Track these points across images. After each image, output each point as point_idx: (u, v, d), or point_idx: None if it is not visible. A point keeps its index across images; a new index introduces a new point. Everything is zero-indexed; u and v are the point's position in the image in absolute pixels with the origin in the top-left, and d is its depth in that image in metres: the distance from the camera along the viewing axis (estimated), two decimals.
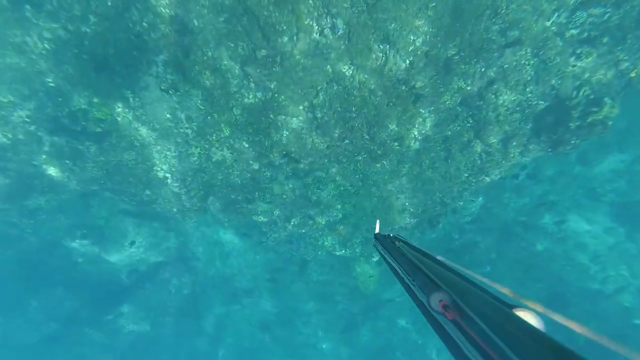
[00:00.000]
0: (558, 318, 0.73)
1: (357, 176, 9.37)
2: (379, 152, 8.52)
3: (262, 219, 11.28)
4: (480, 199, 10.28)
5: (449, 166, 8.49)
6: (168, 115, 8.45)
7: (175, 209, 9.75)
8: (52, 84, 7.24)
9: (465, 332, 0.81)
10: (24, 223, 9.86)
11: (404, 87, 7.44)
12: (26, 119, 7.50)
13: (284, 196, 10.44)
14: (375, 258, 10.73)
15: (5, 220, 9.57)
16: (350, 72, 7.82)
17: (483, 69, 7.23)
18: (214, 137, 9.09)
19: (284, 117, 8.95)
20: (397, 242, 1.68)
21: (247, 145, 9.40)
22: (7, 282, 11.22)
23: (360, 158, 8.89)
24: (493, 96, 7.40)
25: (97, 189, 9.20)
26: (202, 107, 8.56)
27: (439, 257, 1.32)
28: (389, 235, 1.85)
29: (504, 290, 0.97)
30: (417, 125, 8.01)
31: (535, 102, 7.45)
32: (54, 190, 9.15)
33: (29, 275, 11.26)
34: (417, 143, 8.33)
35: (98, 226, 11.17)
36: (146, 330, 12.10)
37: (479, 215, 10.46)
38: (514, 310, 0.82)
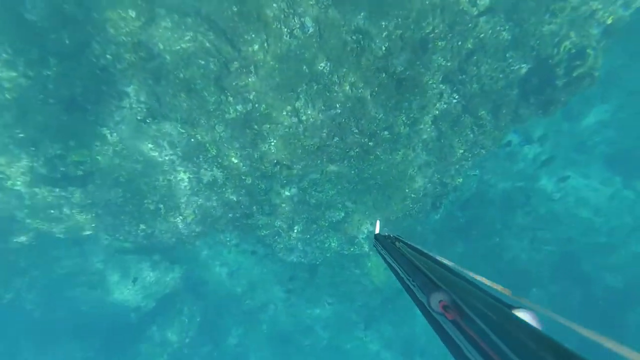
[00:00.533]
0: (558, 318, 0.72)
1: (352, 172, 9.16)
2: (370, 143, 8.33)
3: (264, 232, 10.99)
4: (477, 172, 10.20)
5: (443, 145, 8.34)
6: (150, 146, 8.10)
7: (174, 239, 9.39)
8: (21, 135, 6.83)
9: (465, 332, 0.80)
10: (17, 283, 9.37)
11: (384, 75, 7.27)
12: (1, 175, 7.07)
13: (283, 205, 10.17)
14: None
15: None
16: (328, 68, 7.61)
17: (460, 42, 7.09)
18: (201, 159, 8.77)
19: (268, 125, 8.69)
20: (397, 243, 1.68)
21: (236, 161, 9.11)
22: (17, 346, 10.65)
23: (352, 153, 8.69)
24: (474, 68, 7.27)
25: (89, 234, 8.78)
26: (183, 131, 8.23)
27: (438, 258, 1.32)
28: (389, 235, 1.85)
29: (504, 291, 0.97)
30: (403, 111, 7.84)
31: (517, 66, 7.33)
32: (44, 244, 8.69)
33: (35, 334, 10.73)
34: (407, 128, 8.17)
35: (97, 270, 10.71)
36: None
37: (478, 189, 10.38)
38: (513, 310, 0.82)
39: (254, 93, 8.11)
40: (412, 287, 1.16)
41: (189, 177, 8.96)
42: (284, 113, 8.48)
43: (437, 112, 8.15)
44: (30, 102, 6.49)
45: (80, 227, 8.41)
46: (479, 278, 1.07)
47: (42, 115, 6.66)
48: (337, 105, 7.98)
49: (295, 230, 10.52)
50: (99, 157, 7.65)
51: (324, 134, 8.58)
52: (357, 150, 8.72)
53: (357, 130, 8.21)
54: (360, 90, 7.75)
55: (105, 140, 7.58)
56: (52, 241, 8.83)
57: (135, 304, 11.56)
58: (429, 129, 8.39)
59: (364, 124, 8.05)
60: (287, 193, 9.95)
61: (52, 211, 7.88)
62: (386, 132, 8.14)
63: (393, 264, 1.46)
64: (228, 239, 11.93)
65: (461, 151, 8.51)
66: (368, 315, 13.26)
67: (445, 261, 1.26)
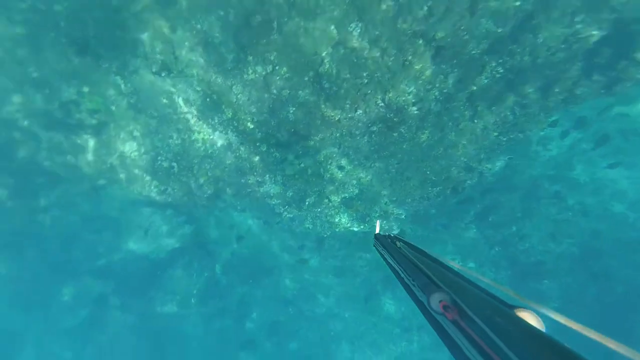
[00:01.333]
0: (559, 318, 0.70)
1: (372, 148, 8.51)
2: (395, 119, 7.57)
3: (275, 201, 10.77)
4: (508, 158, 9.19)
5: (476, 126, 7.39)
6: (165, 101, 7.69)
7: (185, 198, 9.31)
8: (35, 74, 6.55)
9: (465, 332, 0.78)
10: (40, 220, 9.72)
11: (421, 42, 6.31)
12: (16, 114, 6.94)
13: (296, 176, 9.78)
14: (396, 231, 10.14)
15: (21, 219, 9.42)
16: (358, 30, 6.69)
17: (517, 2, 5.85)
18: (216, 120, 8.33)
19: (287, 91, 8.02)
20: (397, 243, 1.65)
21: (251, 126, 8.63)
22: (38, 276, 11.43)
23: (375, 128, 7.99)
24: (530, 35, 6.06)
25: (104, 183, 8.80)
26: (199, 89, 7.73)
27: (439, 257, 1.30)
28: (389, 235, 1.82)
29: (505, 290, 0.91)
30: (437, 84, 6.91)
31: (586, 33, 6.04)
32: (62, 186, 8.81)
33: (56, 268, 11.40)
34: (439, 104, 7.27)
35: (112, 217, 10.98)
36: (174, 312, 12.34)
37: (503, 174, 9.35)
38: (514, 310, 0.80)
39: (275, 53, 7.37)
40: (412, 286, 1.14)
41: (203, 139, 8.61)
42: (306, 79, 7.76)
43: (474, 87, 7.14)
44: (43, 39, 6.10)
45: (96, 176, 8.40)
46: (480, 278, 1.04)
47: (55, 54, 6.29)
48: (364, 75, 7.16)
49: (307, 203, 10.23)
50: (113, 108, 7.35)
51: (347, 105, 7.86)
52: (380, 125, 7.99)
53: (383, 104, 7.43)
54: (391, 59, 6.84)
55: (119, 90, 7.22)
56: (71, 185, 8.94)
57: (149, 254, 11.98)
58: (462, 107, 7.43)
59: (392, 97, 7.24)
60: (301, 164, 9.49)
61: (68, 157, 7.84)
62: (414, 108, 7.32)
63: (393, 264, 1.44)
64: (239, 203, 11.84)
65: (495, 134, 7.55)
66: (370, 289, 13.28)
67: (446, 261, 1.23)
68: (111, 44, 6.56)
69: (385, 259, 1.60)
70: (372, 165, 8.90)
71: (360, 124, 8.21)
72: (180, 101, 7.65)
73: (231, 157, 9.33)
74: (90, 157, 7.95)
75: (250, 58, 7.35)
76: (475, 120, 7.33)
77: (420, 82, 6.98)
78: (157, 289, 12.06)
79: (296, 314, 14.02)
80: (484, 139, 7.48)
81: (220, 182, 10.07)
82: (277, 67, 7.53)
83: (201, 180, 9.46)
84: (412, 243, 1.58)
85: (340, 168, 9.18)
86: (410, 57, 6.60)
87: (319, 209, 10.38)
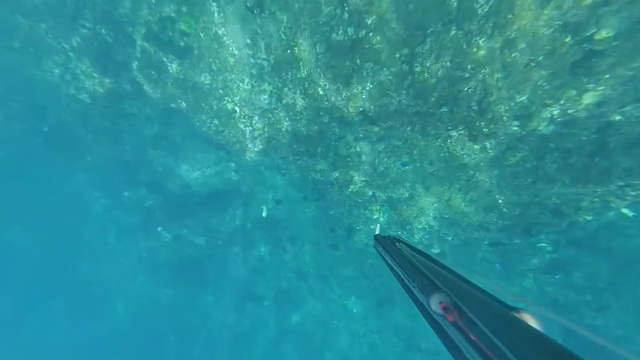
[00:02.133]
0: (559, 320, 0.69)
1: (442, 154, 7.26)
2: (485, 130, 6.19)
3: (320, 177, 10.23)
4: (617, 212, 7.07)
5: (596, 165, 5.58)
6: (248, 40, 7.40)
7: (237, 146, 9.27)
8: None
9: (465, 333, 0.77)
10: (121, 124, 10.70)
11: (569, 40, 4.75)
12: (124, 18, 7.32)
13: (348, 159, 9.02)
14: (435, 250, 8.89)
15: (107, 118, 10.46)
16: (487, 8, 5.33)
17: None
18: (289, 76, 7.85)
19: (372, 65, 7.08)
20: (397, 244, 1.61)
21: (321, 93, 7.97)
22: (110, 174, 12.94)
23: (455, 133, 6.70)
24: None
25: (175, 107, 9.15)
26: (284, 37, 7.23)
27: (439, 259, 1.25)
28: (389, 236, 1.76)
29: (505, 292, 0.92)
30: (562, 102, 5.30)
31: None
32: (142, 99, 9.41)
33: (124, 171, 12.77)
34: (551, 127, 5.65)
35: (175, 142, 11.65)
36: (202, 245, 13.12)
37: (600, 233, 7.29)
38: (514, 312, 0.79)
39: (374, 17, 6.41)
40: (412, 288, 1.11)
41: (270, 91, 8.26)
42: (397, 55, 6.70)
43: (619, 117, 5.32)
44: None
45: (170, 97, 8.73)
46: (479, 279, 1.01)
47: None
48: (469, 67, 5.83)
49: (350, 189, 9.48)
50: (201, 34, 7.30)
51: (433, 99, 6.66)
52: (461, 131, 6.67)
53: (476, 108, 6.07)
54: (516, 55, 5.38)
55: (212, 19, 7.08)
56: (148, 100, 9.51)
57: (195, 186, 12.67)
58: (584, 137, 5.64)
59: (492, 102, 5.84)
60: (357, 149, 8.66)
61: (152, 72, 8.19)
62: (516, 123, 5.81)
63: (393, 265, 1.39)
64: (285, 167, 11.61)
65: (621, 183, 5.57)
66: (386, 295, 12.38)
67: (446, 263, 1.17)
68: None
69: (385, 260, 1.55)
70: (436, 172, 7.67)
71: (439, 123, 6.96)
72: (262, 45, 7.28)
73: (290, 120, 8.91)
74: (170, 78, 8.20)
75: (346, 16, 6.52)
76: (597, 159, 5.50)
77: (540, 92, 5.41)
78: (192, 218, 12.82)
79: (306, 290, 13.88)
80: (602, 184, 5.61)
81: (273, 140, 9.82)
82: (370, 34, 6.59)
83: (257, 133, 9.28)
84: (412, 244, 1.53)
85: (402, 164, 8.12)
86: (542, 58, 5.07)
87: (360, 200, 9.57)
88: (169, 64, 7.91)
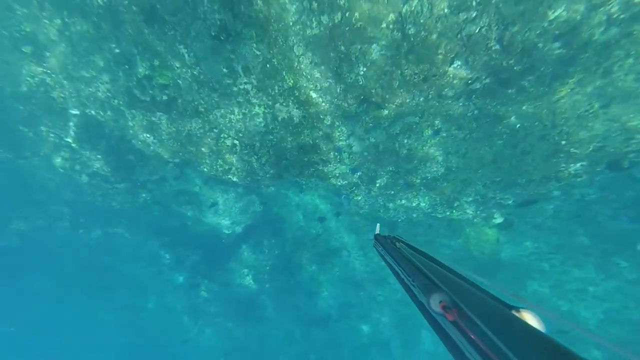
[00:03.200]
0: (559, 319, 0.68)
1: (470, 113, 6.12)
2: (516, 68, 5.02)
3: (342, 182, 9.39)
4: None
5: None
6: (225, 70, 6.88)
7: (249, 179, 8.73)
8: (117, 50, 6.46)
9: (465, 333, 0.75)
10: (140, 193, 10.68)
11: None
12: (108, 94, 7.15)
13: (365, 153, 8.11)
14: (498, 219, 7.59)
15: (127, 192, 10.47)
16: None
17: None
18: (276, 90, 7.20)
19: (359, 46, 6.22)
20: (397, 243, 1.59)
21: (315, 96, 7.22)
22: (145, 240, 13.04)
23: (478, 85, 5.58)
24: None
25: (180, 161, 8.87)
26: (258, 52, 6.62)
27: (438, 258, 1.24)
28: (389, 236, 1.73)
29: (505, 291, 0.89)
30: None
31: None
32: (151, 163, 9.25)
33: (159, 234, 12.81)
34: (614, 28, 4.29)
35: (194, 193, 11.45)
36: (251, 284, 12.71)
37: None
38: (514, 311, 0.78)
39: None
40: (412, 287, 1.08)
41: (264, 112, 7.65)
42: (384, 25, 5.79)
43: None
44: (118, 9, 5.79)
45: (172, 153, 8.45)
46: (479, 279, 0.98)
47: (130, 26, 5.97)
48: (474, 4, 4.77)
49: (377, 185, 8.52)
50: (179, 82, 6.91)
51: (439, 56, 5.62)
52: (487, 80, 5.53)
53: (498, 47, 4.95)
54: None
55: (184, 61, 6.67)
56: (156, 162, 9.35)
57: (226, 229, 12.37)
58: None
59: (517, 33, 4.70)
60: (372, 139, 7.74)
61: (147, 135, 7.95)
62: (556, 45, 4.61)
63: (393, 265, 1.36)
64: (304, 183, 10.93)
65: None
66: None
67: (446, 262, 1.16)
68: (174, 6, 5.87)
69: (385, 260, 1.50)
70: (469, 136, 6.51)
71: (455, 81, 5.88)
72: (240, 69, 6.71)
73: (293, 135, 8.23)
74: (164, 134, 7.91)
75: (315, 5, 5.76)
76: None
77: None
78: (235, 262, 12.48)
79: (367, 297, 12.91)
80: None
81: (282, 161, 9.19)
82: (347, 14, 5.77)
83: (263, 160, 8.70)
84: (412, 244, 1.50)
85: (423, 142, 7.07)
86: None
87: (393, 191, 8.56)
88: (159, 122, 7.62)
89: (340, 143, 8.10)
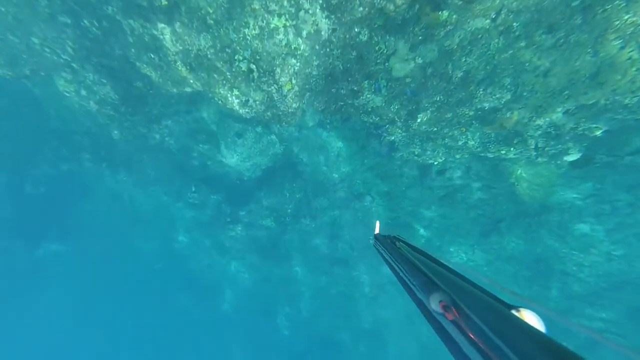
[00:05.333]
0: (559, 318, 0.69)
1: (575, 2, 4.30)
2: None
3: (374, 118, 8.05)
4: None
5: None
6: None
7: (269, 114, 7.59)
8: None
9: (465, 332, 0.75)
10: (155, 129, 10.02)
11: None
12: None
13: (408, 80, 6.55)
14: (573, 156, 6.20)
15: (142, 126, 9.82)
16: None
17: None
18: None
19: None
20: (397, 243, 1.58)
21: None
22: (168, 178, 12.88)
23: None
24: None
25: (193, 91, 7.79)
26: None
27: (439, 258, 1.23)
28: (389, 235, 1.74)
29: (505, 290, 0.90)
30: None
31: None
32: (162, 93, 8.29)
33: (181, 173, 12.54)
34: None
35: (212, 132, 10.64)
36: (272, 226, 12.65)
37: None
38: (514, 310, 0.77)
39: None
40: (412, 286, 1.08)
41: (284, 25, 6.08)
42: None
43: None
44: None
45: (181, 81, 7.34)
46: (479, 278, 0.98)
47: None
48: None
49: (419, 120, 7.14)
50: None
51: None
52: None
53: None
54: None
55: None
56: (171, 93, 8.35)
57: (246, 170, 11.82)
58: None
59: None
60: (419, 60, 6.10)
61: (152, 55, 6.79)
62: None
63: (393, 264, 1.36)
64: (329, 121, 9.66)
65: None
66: (489, 226, 10.29)
67: (446, 262, 1.15)
68: None
69: (385, 259, 1.50)
70: (563, 40, 4.74)
71: None
72: None
73: (319, 57, 6.70)
74: (170, 55, 6.69)
75: None
76: None
77: None
78: (256, 204, 12.22)
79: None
80: None
81: (307, 93, 7.84)
82: None
83: (285, 90, 7.39)
84: (412, 243, 1.50)
85: (488, 57, 5.38)
86: None
87: (435, 128, 7.19)
88: (162, 37, 6.33)
89: (378, 67, 6.55)
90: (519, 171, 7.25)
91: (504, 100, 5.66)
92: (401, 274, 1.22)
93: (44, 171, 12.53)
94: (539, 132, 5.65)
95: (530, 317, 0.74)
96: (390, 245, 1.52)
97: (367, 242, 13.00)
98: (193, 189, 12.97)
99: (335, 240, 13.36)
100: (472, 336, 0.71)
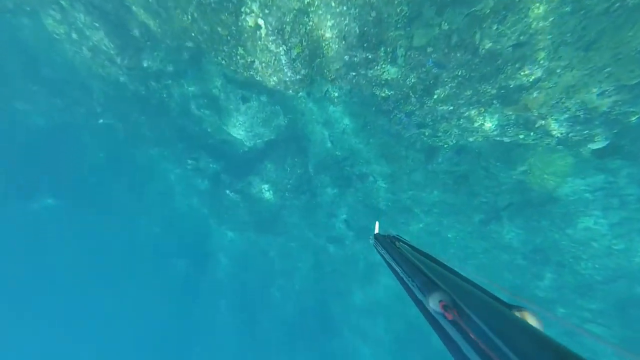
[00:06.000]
0: (558, 319, 0.68)
1: None
2: None
3: (387, 92, 7.50)
4: None
5: None
6: None
7: (275, 79, 7.00)
8: None
9: (464, 332, 0.74)
10: (153, 87, 9.41)
11: None
12: None
13: (429, 49, 5.96)
14: (598, 143, 5.81)
15: (140, 82, 9.20)
16: None
17: None
18: None
19: None
20: (397, 243, 1.58)
21: None
22: (171, 144, 12.39)
23: None
24: None
25: (194, 46, 7.14)
26: None
27: (438, 258, 1.23)
28: (388, 235, 1.73)
29: (505, 291, 0.89)
30: None
31: None
32: (161, 47, 7.62)
33: (181, 139, 12.04)
34: None
35: (215, 97, 10.05)
36: (271, 199, 12.41)
37: None
38: (513, 310, 0.77)
39: None
40: (411, 286, 1.08)
41: None
42: None
43: None
44: None
45: (182, 32, 6.68)
46: (479, 278, 0.98)
47: None
48: None
49: (435, 96, 6.62)
50: None
51: None
52: None
53: None
54: None
55: None
56: (171, 46, 7.68)
57: (247, 141, 11.36)
58: None
59: None
60: (444, 25, 5.48)
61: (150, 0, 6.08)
62: None
63: (393, 264, 1.36)
64: (337, 92, 9.08)
65: None
66: (489, 214, 10.10)
67: (446, 262, 1.16)
68: None
69: (384, 259, 1.51)
70: (614, 7, 4.17)
71: None
72: None
73: (334, 16, 6.04)
74: (170, 0, 5.99)
75: None
76: None
77: None
78: (255, 175, 11.88)
79: (388, 223, 12.49)
80: None
81: (316, 59, 7.21)
82: None
83: (294, 52, 6.77)
84: (412, 244, 1.50)
85: (525, 26, 4.78)
86: None
87: (452, 107, 6.69)
88: None
89: (397, 32, 5.92)
90: (533, 159, 6.87)
91: (533, 77, 5.13)
92: (401, 273, 1.22)
93: (36, 122, 11.91)
94: (566, 115, 5.19)
95: (529, 317, 0.74)
96: (390, 245, 1.51)
97: (364, 223, 12.88)
98: (193, 156, 12.54)
99: (333, 219, 13.21)
100: (472, 336, 0.70)
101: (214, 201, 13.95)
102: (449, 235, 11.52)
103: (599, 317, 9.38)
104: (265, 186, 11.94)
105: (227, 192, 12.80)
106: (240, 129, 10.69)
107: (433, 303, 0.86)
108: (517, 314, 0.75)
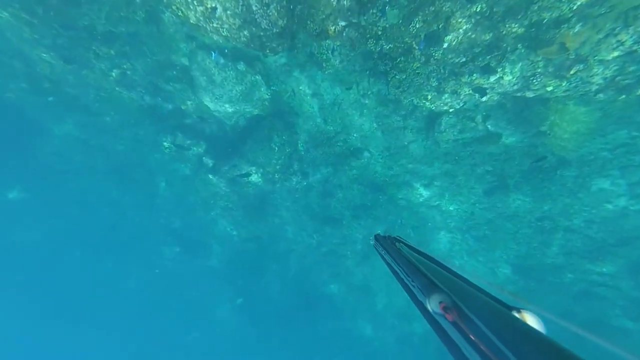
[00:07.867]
0: (558, 320, 0.65)
1: None
2: None
3: (384, 46, 6.16)
4: None
5: None
6: None
7: (246, 33, 5.51)
8: None
9: (465, 333, 0.73)
10: (106, 56, 7.74)
11: None
12: None
13: (461, 21, 4.58)
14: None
15: (86, 49, 7.47)
16: None
17: None
18: None
19: None
20: (397, 243, 1.54)
21: None
22: (140, 124, 10.74)
23: None
24: None
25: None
26: None
27: (439, 259, 1.20)
28: (388, 236, 1.68)
29: (505, 292, 0.86)
30: None
31: None
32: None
33: (153, 119, 10.41)
34: None
35: (184, 67, 8.46)
36: (259, 183, 11.16)
37: None
38: (514, 311, 0.75)
39: None
40: (412, 287, 1.07)
41: None
42: None
43: None
44: None
45: None
46: (479, 279, 0.95)
47: None
48: None
49: (446, 45, 5.31)
50: None
51: None
52: None
53: None
54: None
55: None
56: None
57: (228, 119, 9.89)
58: None
59: None
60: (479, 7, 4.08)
61: None
62: None
63: (393, 265, 1.35)
64: (325, 55, 7.64)
65: None
66: (495, 183, 9.22)
67: (446, 262, 1.13)
68: None
69: (384, 260, 1.49)
70: None
71: None
72: None
73: None
74: None
75: None
76: None
77: None
78: (240, 157, 10.53)
79: (386, 201, 11.53)
80: None
81: (297, 6, 5.71)
82: None
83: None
84: (412, 244, 1.47)
85: None
86: None
87: (465, 58, 5.43)
88: None
89: None
90: (555, 116, 5.81)
91: (576, 4, 3.89)
92: (401, 274, 1.18)
93: None
94: (616, 53, 4.04)
95: (530, 319, 0.72)
96: (390, 246, 1.45)
97: (361, 202, 11.93)
98: (169, 138, 10.95)
99: (327, 199, 12.15)
100: (472, 337, 0.68)
101: (198, 187, 12.58)
102: (450, 208, 10.70)
103: (609, 280, 8.91)
104: (252, 168, 10.65)
105: (212, 176, 11.47)
106: (217, 104, 9.18)
107: (433, 304, 0.83)
108: (518, 315, 0.72)
